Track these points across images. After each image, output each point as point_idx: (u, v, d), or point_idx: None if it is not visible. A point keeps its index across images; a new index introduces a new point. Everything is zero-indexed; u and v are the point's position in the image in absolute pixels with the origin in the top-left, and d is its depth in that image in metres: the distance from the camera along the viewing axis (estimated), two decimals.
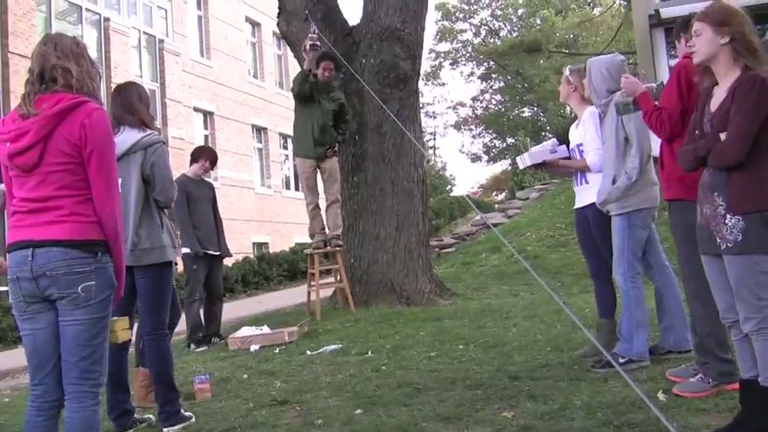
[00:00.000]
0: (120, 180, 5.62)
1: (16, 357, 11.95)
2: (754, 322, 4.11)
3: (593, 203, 6.33)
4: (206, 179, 10.48)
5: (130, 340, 4.69)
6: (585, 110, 6.69)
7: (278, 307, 14.16)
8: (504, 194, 42.34)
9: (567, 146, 6.91)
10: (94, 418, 3.75)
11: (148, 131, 5.68)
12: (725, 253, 4.17)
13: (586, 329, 5.05)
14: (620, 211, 6.12)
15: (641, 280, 6.25)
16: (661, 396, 5.15)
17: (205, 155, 10.17)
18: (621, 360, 6.06)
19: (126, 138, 5.63)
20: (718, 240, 4.19)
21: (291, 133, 11.66)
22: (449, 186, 53.24)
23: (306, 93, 10.54)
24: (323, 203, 11.04)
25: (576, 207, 6.91)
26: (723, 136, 4.19)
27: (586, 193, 6.59)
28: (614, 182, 6.07)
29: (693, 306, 5.40)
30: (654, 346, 6.39)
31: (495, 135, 57.72)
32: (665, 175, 5.44)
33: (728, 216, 4.13)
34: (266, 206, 32.61)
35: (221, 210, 10.51)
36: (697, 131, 4.42)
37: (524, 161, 7.05)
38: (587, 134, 6.59)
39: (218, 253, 10.03)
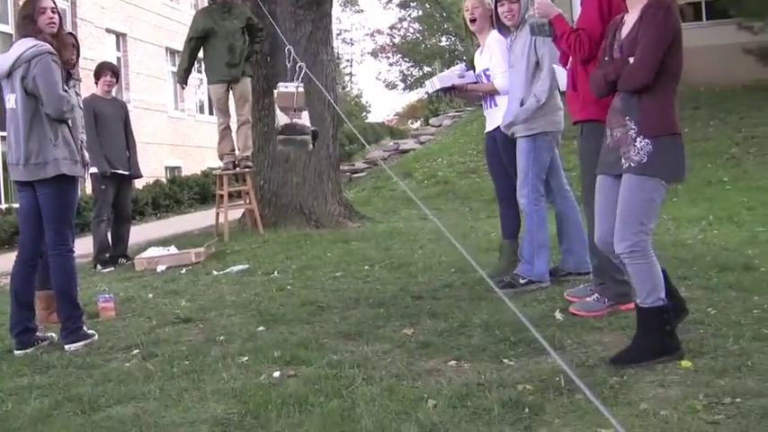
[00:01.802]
0: (14, 96, 5.57)
1: None
2: (627, 244, 4.25)
3: None
4: (118, 98, 10.31)
5: None
6: (490, 35, 6.70)
7: (188, 229, 14.08)
8: (419, 123, 42.37)
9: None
10: None
11: (34, 44, 5.53)
12: (626, 172, 4.29)
13: (472, 257, 5.14)
14: (526, 133, 6.19)
15: (544, 203, 6.35)
16: (558, 315, 5.30)
17: (105, 69, 9.99)
18: (522, 281, 6.19)
19: (11, 52, 5.53)
20: (623, 161, 4.30)
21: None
22: (364, 113, 53.15)
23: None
24: (234, 125, 10.96)
25: (486, 131, 6.96)
26: (632, 60, 4.29)
27: (495, 116, 6.63)
28: (522, 104, 6.13)
29: None
30: (554, 268, 6.53)
31: (411, 63, 57.54)
32: (581, 96, 5.42)
33: (639, 139, 4.24)
34: (179, 130, 32.16)
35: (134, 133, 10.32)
36: (607, 58, 4.50)
37: (433, 85, 7.05)
38: (494, 58, 6.62)
39: (127, 173, 9.88)
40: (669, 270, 4.67)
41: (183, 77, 11.17)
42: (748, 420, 3.31)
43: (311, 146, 7.53)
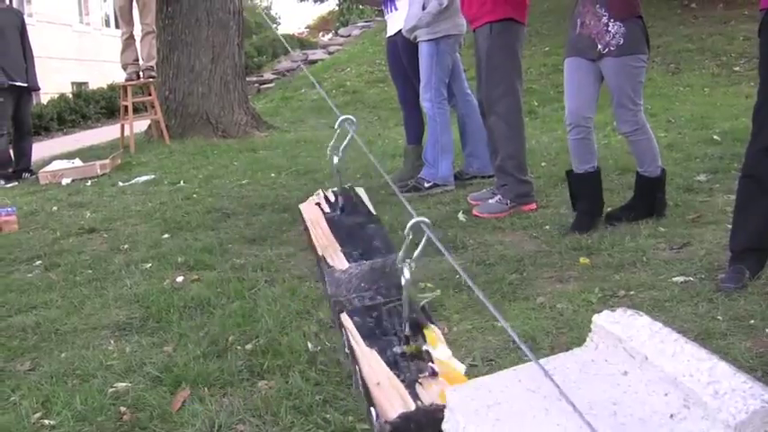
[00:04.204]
0: None
1: None
2: (629, 125, 4.64)
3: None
4: (13, 7, 9.99)
5: None
6: None
7: (94, 143, 13.86)
8: (330, 35, 41.97)
9: None
10: None
11: None
12: (608, 55, 4.57)
13: (378, 163, 5.17)
14: (429, 37, 6.17)
15: (447, 106, 6.38)
16: (461, 216, 5.39)
17: None
18: (427, 184, 6.24)
19: None
20: (599, 46, 4.57)
21: None
22: (274, 25, 52.41)
23: None
24: (139, 35, 10.77)
25: (387, 35, 6.94)
26: None
27: (396, 20, 6.59)
28: (424, 8, 6.10)
29: (499, 128, 5.52)
30: (459, 172, 6.59)
31: None
32: None
33: (611, 23, 4.50)
34: (85, 45, 31.29)
35: (37, 48, 10.01)
36: None
37: None
38: None
39: (25, 85, 9.63)
40: None
41: None
42: (640, 310, 3.41)
43: None
